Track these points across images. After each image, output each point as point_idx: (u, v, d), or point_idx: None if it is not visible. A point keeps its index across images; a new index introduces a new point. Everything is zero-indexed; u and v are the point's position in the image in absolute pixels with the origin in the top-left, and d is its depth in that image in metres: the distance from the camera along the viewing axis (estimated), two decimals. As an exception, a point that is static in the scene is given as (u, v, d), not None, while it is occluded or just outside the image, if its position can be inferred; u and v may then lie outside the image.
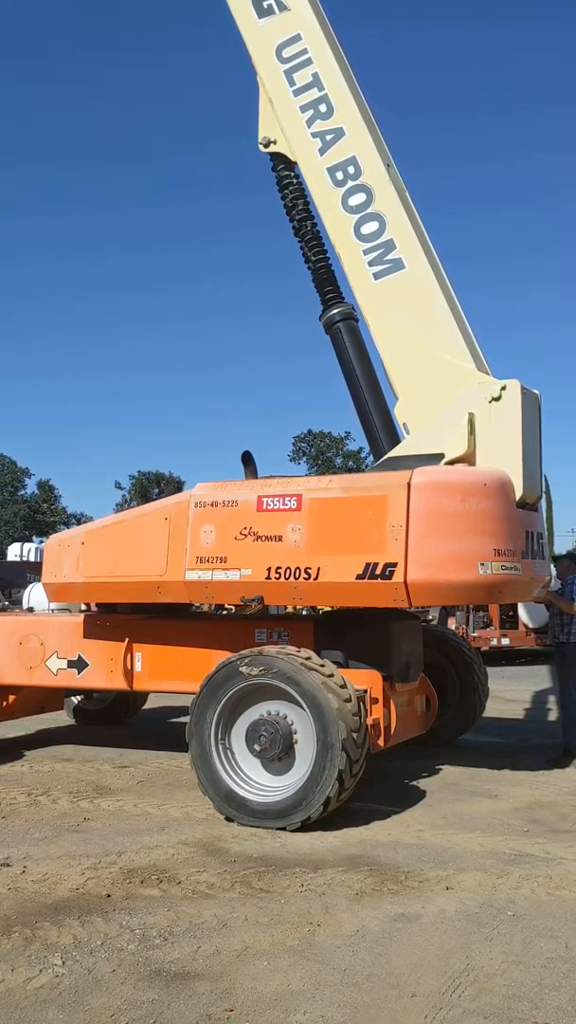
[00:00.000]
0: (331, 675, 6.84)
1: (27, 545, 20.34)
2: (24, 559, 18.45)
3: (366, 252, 8.28)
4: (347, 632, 7.87)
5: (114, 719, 11.31)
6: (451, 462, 7.59)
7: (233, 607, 9.82)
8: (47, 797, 7.73)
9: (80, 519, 64.41)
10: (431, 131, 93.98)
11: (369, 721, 7.02)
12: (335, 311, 8.86)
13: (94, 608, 9.56)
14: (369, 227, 8.29)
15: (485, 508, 7.14)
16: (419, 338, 8.06)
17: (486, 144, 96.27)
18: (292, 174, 9.02)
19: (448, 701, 9.35)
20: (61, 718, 11.42)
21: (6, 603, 12.32)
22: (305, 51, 8.72)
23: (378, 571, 7.04)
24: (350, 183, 8.41)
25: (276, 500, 7.50)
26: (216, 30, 51.95)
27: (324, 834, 6.55)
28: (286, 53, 8.79)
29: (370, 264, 8.26)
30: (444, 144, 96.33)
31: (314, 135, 8.61)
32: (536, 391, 8.08)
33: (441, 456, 7.62)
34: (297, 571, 7.32)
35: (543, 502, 8.55)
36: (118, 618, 8.80)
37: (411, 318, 8.12)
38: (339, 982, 4.24)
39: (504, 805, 7.38)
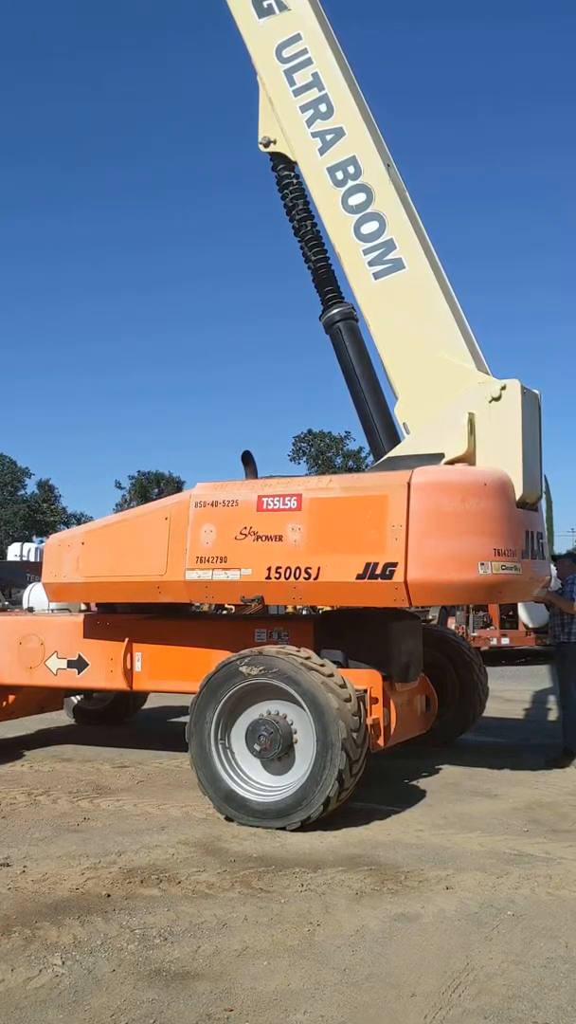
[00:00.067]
0: (331, 675, 6.84)
1: (27, 545, 20.29)
2: (24, 559, 18.42)
3: (366, 252, 8.28)
4: (347, 632, 7.87)
5: (114, 719, 11.31)
6: (451, 462, 7.59)
7: (233, 607, 9.82)
8: (47, 797, 7.73)
9: (80, 519, 64.39)
10: (431, 131, 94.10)
11: (369, 721, 7.02)
12: (335, 311, 8.86)
13: (94, 608, 9.56)
14: (369, 227, 8.29)
15: (485, 508, 7.14)
16: (419, 338, 8.06)
17: (486, 144, 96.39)
18: (292, 174, 9.01)
19: (448, 701, 9.36)
20: (61, 718, 11.42)
21: (6, 603, 12.30)
22: (305, 51, 8.72)
23: (378, 571, 7.04)
24: (350, 183, 8.41)
25: (276, 500, 7.50)
26: (216, 30, 51.99)
27: (324, 834, 6.55)
28: (286, 53, 8.79)
29: (370, 264, 8.26)
30: (444, 144, 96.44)
31: (314, 135, 8.61)
32: (536, 391, 8.09)
33: (441, 456, 7.62)
34: (297, 571, 7.32)
35: (543, 502, 8.55)
36: (118, 618, 8.80)
37: (411, 318, 8.12)
38: (339, 982, 4.24)
39: (504, 805, 7.38)
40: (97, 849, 6.24)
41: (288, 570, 7.35)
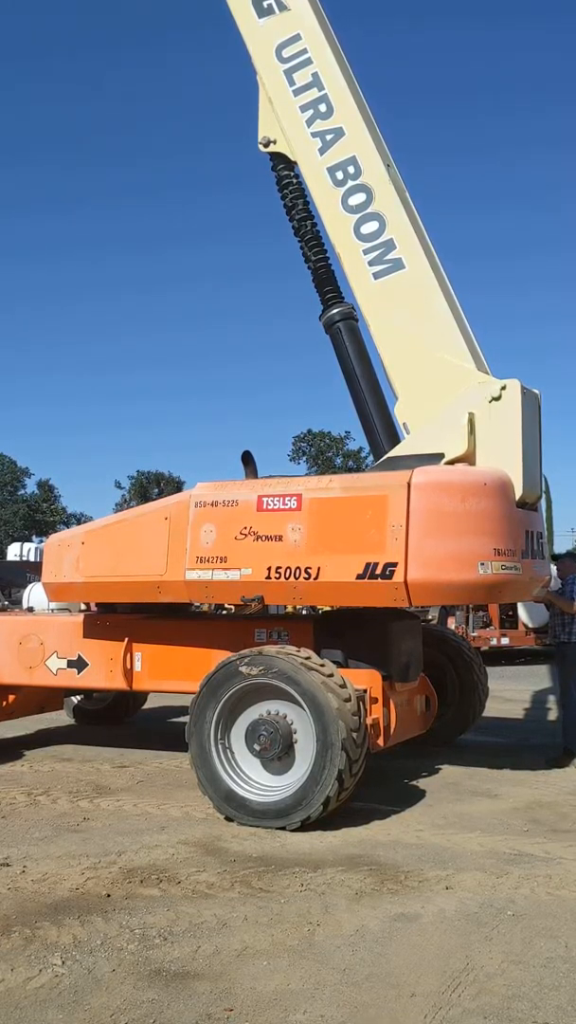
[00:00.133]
0: (331, 675, 6.84)
1: (27, 545, 20.29)
2: (24, 559, 18.41)
3: (366, 252, 8.28)
4: (347, 632, 7.87)
5: (114, 719, 11.31)
6: (451, 462, 7.59)
7: (233, 607, 9.82)
8: (47, 797, 7.73)
9: (80, 519, 64.37)
10: (431, 131, 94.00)
11: (369, 721, 7.02)
12: (335, 311, 8.86)
13: (94, 608, 9.56)
14: (369, 227, 8.29)
15: (485, 508, 7.14)
16: (419, 338, 8.06)
17: (486, 144, 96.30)
18: (292, 174, 9.01)
19: (448, 701, 9.35)
20: (61, 718, 11.42)
21: (6, 603, 12.30)
22: (305, 51, 8.72)
23: (378, 571, 7.04)
24: (350, 183, 8.41)
25: (276, 500, 7.50)
26: (216, 30, 51.98)
27: (324, 834, 6.55)
28: (286, 53, 8.79)
29: (370, 264, 8.26)
30: (444, 144, 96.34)
31: (314, 135, 8.61)
32: (536, 391, 8.09)
33: (441, 456, 7.62)
34: (297, 571, 7.32)
35: (543, 502, 8.55)
36: (118, 618, 8.80)
37: (411, 318, 8.12)
38: (339, 982, 4.24)
39: (504, 805, 7.38)
40: (97, 849, 6.24)
41: (288, 570, 7.35)
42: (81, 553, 8.43)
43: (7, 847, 6.29)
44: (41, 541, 26.29)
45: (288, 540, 7.38)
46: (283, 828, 6.63)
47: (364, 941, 4.69)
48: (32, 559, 17.39)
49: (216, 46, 71.91)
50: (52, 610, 9.74)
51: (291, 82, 8.73)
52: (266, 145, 9.03)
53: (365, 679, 7.31)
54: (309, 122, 8.64)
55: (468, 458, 7.61)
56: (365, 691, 7.16)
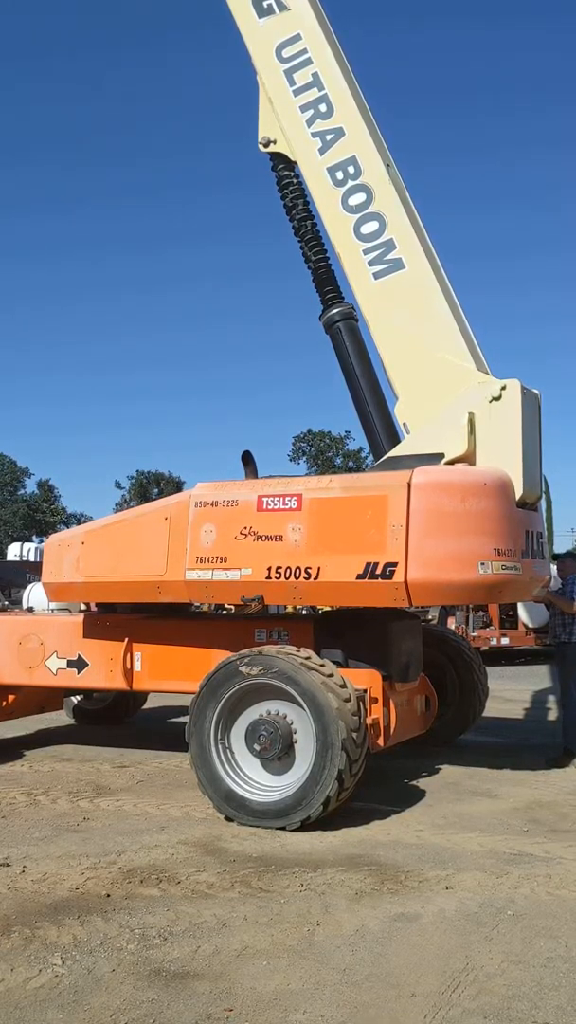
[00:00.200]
0: (331, 675, 6.84)
1: (27, 545, 20.29)
2: (24, 559, 18.41)
3: (366, 252, 8.28)
4: (347, 632, 7.87)
5: (114, 719, 11.31)
6: (451, 462, 7.59)
7: (233, 607, 9.82)
8: (47, 797, 7.73)
9: (80, 519, 64.38)
10: (431, 131, 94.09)
11: (369, 721, 7.02)
12: (335, 311, 8.85)
13: (94, 608, 9.56)
14: (369, 227, 8.29)
15: (485, 508, 7.14)
16: (419, 338, 8.06)
17: (486, 144, 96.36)
18: (292, 174, 9.01)
19: (448, 701, 9.35)
20: (61, 718, 11.42)
21: (6, 603, 12.30)
22: (305, 51, 8.72)
23: (378, 571, 7.04)
24: (350, 183, 8.40)
25: (276, 500, 7.50)
26: (216, 30, 51.98)
27: (324, 834, 6.55)
28: (286, 53, 8.79)
29: (370, 264, 8.26)
30: (444, 144, 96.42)
31: (314, 135, 8.61)
32: (536, 391, 8.08)
33: (441, 456, 7.62)
34: (297, 571, 7.32)
35: (543, 502, 8.55)
36: (118, 618, 8.80)
37: (411, 318, 8.11)
38: (339, 982, 4.24)
39: (504, 805, 7.38)
40: (97, 849, 6.24)
41: (288, 570, 7.35)
42: (81, 553, 8.43)
43: (7, 847, 6.29)
44: (41, 541, 26.30)
45: (288, 540, 7.38)
46: (283, 828, 6.62)
47: (364, 941, 4.69)
48: (32, 559, 17.39)
49: (216, 46, 72.02)
50: (52, 610, 9.74)
51: (291, 82, 8.73)
52: (266, 145, 9.02)
53: (365, 679, 7.31)
54: (309, 122, 8.63)
55: (468, 458, 7.61)
56: (365, 691, 7.16)
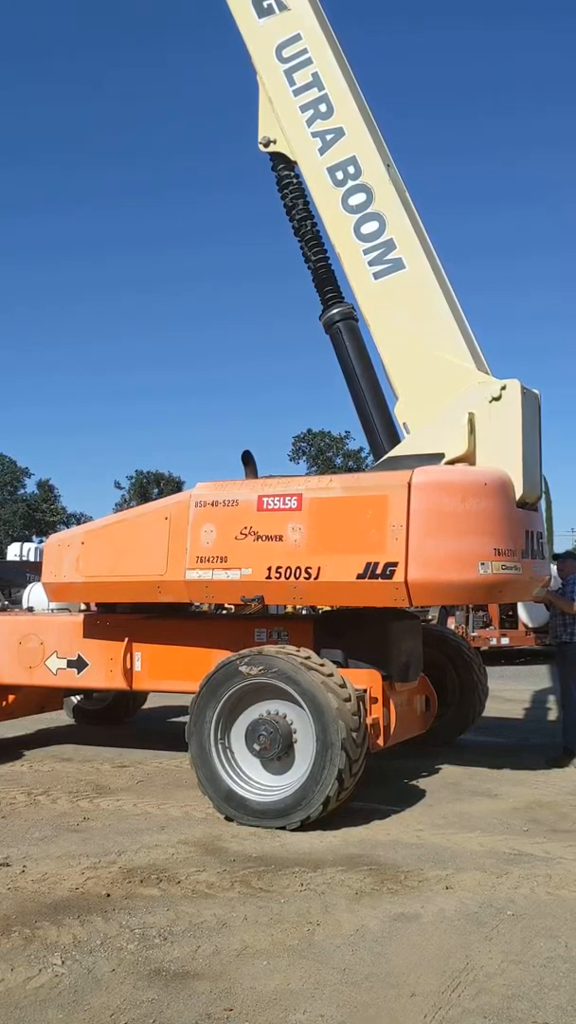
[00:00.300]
0: (331, 674, 6.84)
1: (27, 545, 20.32)
2: (24, 559, 18.44)
3: (366, 252, 8.28)
4: (347, 632, 7.87)
5: (114, 719, 11.31)
6: (451, 462, 7.59)
7: (233, 607, 9.82)
8: (47, 797, 7.73)
9: (80, 519, 64.37)
10: (431, 131, 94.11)
11: (369, 721, 7.02)
12: (335, 311, 8.85)
13: (94, 608, 9.55)
14: (369, 227, 8.29)
15: (485, 508, 7.14)
16: (419, 338, 8.05)
17: (486, 144, 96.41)
18: (292, 174, 9.01)
19: (448, 701, 9.35)
20: (61, 718, 11.42)
21: (6, 603, 12.31)
22: (305, 51, 8.71)
23: (378, 571, 7.04)
24: (350, 183, 8.40)
25: (276, 500, 7.50)
26: (216, 30, 51.97)
27: (324, 834, 6.55)
28: (286, 53, 8.79)
29: (370, 264, 8.26)
30: (444, 144, 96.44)
31: (314, 135, 8.61)
32: (536, 391, 8.08)
33: (441, 456, 7.62)
34: (297, 571, 7.32)
35: (543, 502, 8.55)
36: (118, 618, 8.80)
37: (411, 318, 8.11)
38: (338, 981, 4.24)
39: (504, 805, 7.38)
40: (97, 849, 6.24)
41: (288, 570, 7.35)
42: (81, 553, 8.43)
43: (7, 847, 6.29)
44: (41, 541, 26.30)
45: (288, 540, 7.38)
46: (283, 828, 6.62)
47: (364, 941, 4.69)
48: (32, 559, 17.42)
49: (216, 46, 72.06)
50: (52, 610, 9.74)
51: (291, 82, 8.73)
52: (266, 145, 9.02)
53: (365, 679, 7.31)
54: (309, 122, 8.63)
55: (468, 458, 7.61)
56: (365, 691, 7.16)
